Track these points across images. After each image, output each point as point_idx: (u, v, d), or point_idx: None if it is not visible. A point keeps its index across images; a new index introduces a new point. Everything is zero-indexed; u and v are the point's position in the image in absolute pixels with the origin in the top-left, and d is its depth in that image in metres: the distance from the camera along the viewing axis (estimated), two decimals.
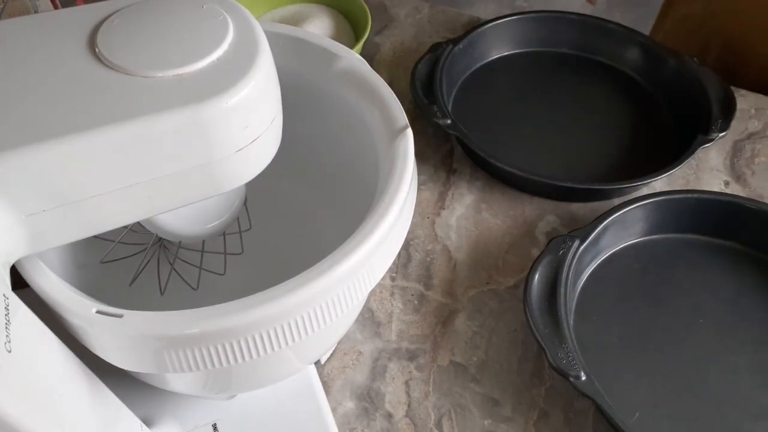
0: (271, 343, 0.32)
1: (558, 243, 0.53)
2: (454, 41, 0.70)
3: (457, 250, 0.58)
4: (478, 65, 0.74)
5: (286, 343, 0.33)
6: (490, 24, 0.73)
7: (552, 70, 0.74)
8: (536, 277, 0.51)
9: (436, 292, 0.55)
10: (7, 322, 0.26)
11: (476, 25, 0.73)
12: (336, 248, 0.34)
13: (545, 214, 0.61)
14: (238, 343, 0.31)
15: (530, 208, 0.62)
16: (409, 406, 0.49)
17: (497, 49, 0.75)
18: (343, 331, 0.46)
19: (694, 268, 0.57)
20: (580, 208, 0.62)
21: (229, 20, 0.32)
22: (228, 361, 0.32)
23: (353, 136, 0.44)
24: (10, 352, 0.25)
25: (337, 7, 0.73)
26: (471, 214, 0.61)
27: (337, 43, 0.43)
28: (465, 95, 0.71)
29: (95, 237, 0.32)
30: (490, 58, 0.74)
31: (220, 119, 0.30)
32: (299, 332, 0.33)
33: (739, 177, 0.65)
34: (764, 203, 0.57)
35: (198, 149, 0.30)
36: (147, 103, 0.29)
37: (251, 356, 0.32)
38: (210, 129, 0.30)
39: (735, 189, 0.64)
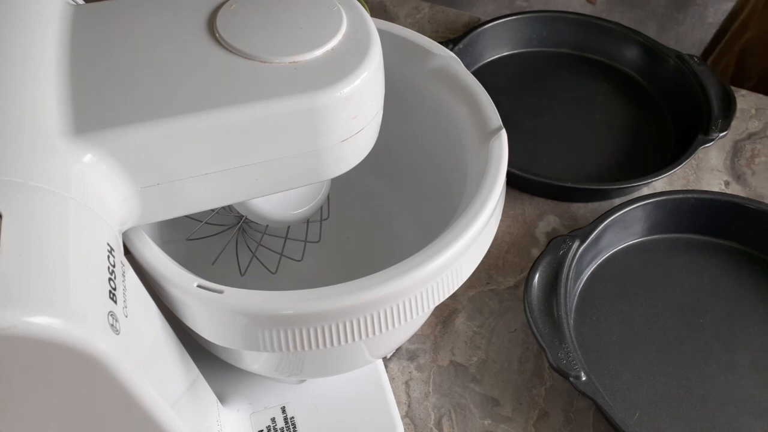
0: (360, 330, 0.32)
1: (558, 243, 0.53)
2: (454, 41, 0.70)
3: None
4: (478, 65, 0.74)
5: (380, 331, 0.33)
6: (490, 24, 0.73)
7: (552, 70, 0.74)
8: (536, 277, 0.51)
9: None
10: (125, 288, 0.27)
11: (476, 25, 0.73)
12: (411, 248, 0.34)
13: (545, 214, 0.61)
14: (330, 327, 0.32)
15: (530, 208, 0.62)
16: (409, 406, 0.49)
17: (497, 49, 0.75)
18: (414, 330, 0.46)
19: (694, 268, 0.57)
20: (580, 208, 0.62)
21: (343, 11, 0.33)
22: (318, 345, 0.32)
23: (441, 136, 0.44)
24: (127, 317, 0.26)
25: None
26: None
27: (432, 40, 0.43)
28: None
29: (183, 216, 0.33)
30: (490, 58, 0.74)
31: (332, 108, 0.30)
32: (389, 322, 0.33)
33: (739, 177, 0.65)
34: (764, 203, 0.57)
35: (307, 136, 0.31)
36: (265, 87, 0.30)
37: (340, 342, 0.32)
38: (322, 117, 0.30)
39: (735, 189, 0.64)
